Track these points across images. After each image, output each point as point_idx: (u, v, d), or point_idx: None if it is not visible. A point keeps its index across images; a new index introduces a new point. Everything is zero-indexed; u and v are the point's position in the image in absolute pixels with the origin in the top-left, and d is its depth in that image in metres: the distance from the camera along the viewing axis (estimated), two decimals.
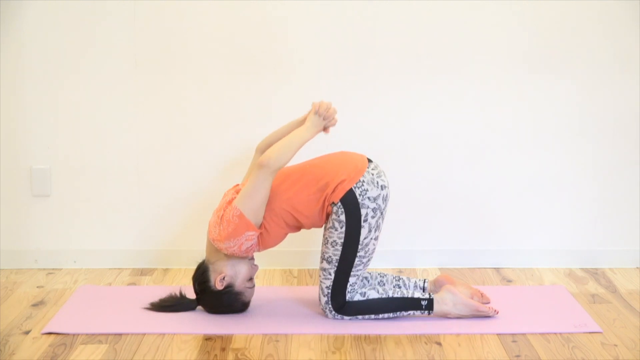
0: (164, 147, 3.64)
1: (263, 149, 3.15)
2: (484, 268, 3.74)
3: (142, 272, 3.66)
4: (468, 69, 3.64)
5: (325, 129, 3.06)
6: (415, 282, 3.22)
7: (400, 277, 3.23)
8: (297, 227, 3.06)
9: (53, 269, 3.70)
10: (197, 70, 3.62)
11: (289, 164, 3.14)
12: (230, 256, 3.03)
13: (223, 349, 2.82)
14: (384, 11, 3.59)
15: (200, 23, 3.59)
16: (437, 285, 3.19)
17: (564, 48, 3.64)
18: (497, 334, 2.93)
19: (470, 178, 3.72)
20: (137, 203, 3.70)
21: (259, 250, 3.03)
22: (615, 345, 2.85)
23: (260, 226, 2.96)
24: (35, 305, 3.23)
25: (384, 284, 3.19)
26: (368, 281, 3.18)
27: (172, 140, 3.65)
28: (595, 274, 3.65)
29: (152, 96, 3.60)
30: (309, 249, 3.69)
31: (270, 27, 3.60)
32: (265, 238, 2.99)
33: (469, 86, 3.66)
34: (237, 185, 3.12)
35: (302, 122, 3.09)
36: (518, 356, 2.77)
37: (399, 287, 3.19)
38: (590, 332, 2.95)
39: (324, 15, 3.59)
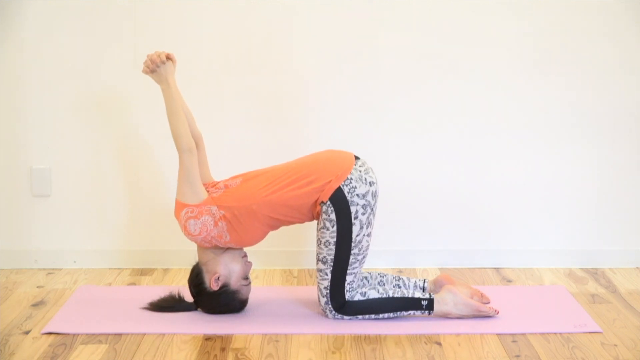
0: (164, 147, 3.63)
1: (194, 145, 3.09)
2: (484, 268, 3.74)
3: (142, 272, 3.66)
4: (469, 70, 3.64)
5: (171, 59, 3.07)
6: (415, 282, 3.22)
7: (400, 277, 3.23)
8: (277, 226, 3.06)
9: (53, 269, 3.70)
10: (196, 70, 3.62)
11: (277, 163, 3.14)
12: (221, 255, 3.03)
13: (223, 349, 2.82)
14: (386, 12, 3.59)
15: (200, 23, 3.60)
16: (437, 285, 3.18)
17: (563, 48, 3.64)
18: (497, 334, 2.93)
19: (471, 178, 3.72)
20: (137, 203, 3.70)
21: (236, 245, 3.02)
22: (615, 345, 2.85)
23: (206, 202, 2.97)
24: (35, 305, 3.23)
25: (384, 284, 3.19)
26: (368, 281, 3.18)
27: (171, 140, 3.63)
28: (595, 274, 3.65)
29: (151, 96, 3.59)
30: (309, 249, 3.69)
31: (270, 26, 3.60)
32: (238, 229, 2.97)
33: (470, 86, 3.66)
34: (217, 182, 3.12)
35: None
36: (518, 356, 2.77)
37: (399, 287, 3.19)
38: (590, 332, 2.95)
39: (324, 15, 3.60)
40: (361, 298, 3.03)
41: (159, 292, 3.25)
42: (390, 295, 3.03)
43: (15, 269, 3.68)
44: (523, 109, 3.68)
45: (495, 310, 3.07)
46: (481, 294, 3.15)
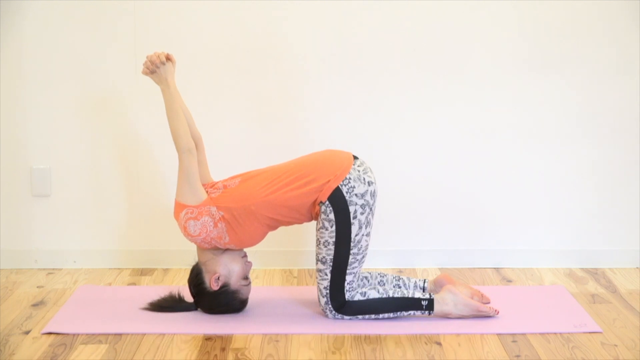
0: (164, 147, 3.63)
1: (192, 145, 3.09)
2: (484, 268, 3.74)
3: (142, 272, 3.66)
4: (468, 69, 3.64)
5: (170, 60, 3.08)
6: (415, 282, 3.22)
7: (400, 277, 3.23)
8: (276, 226, 3.06)
9: (53, 269, 3.70)
10: (196, 70, 3.62)
11: (276, 163, 3.14)
12: (220, 255, 3.04)
13: (223, 349, 2.82)
14: (384, 11, 3.59)
15: (200, 23, 3.60)
16: (437, 285, 3.18)
17: (563, 48, 3.64)
18: (497, 334, 2.93)
19: (470, 178, 3.72)
20: (137, 203, 3.70)
21: (236, 246, 3.02)
22: (615, 345, 2.85)
23: (205, 203, 2.97)
24: (35, 305, 3.23)
25: (384, 284, 3.19)
26: (368, 281, 3.18)
27: (171, 140, 3.64)
28: (595, 274, 3.65)
29: (152, 96, 3.59)
30: (309, 249, 3.69)
31: (270, 26, 3.60)
32: (237, 230, 2.97)
33: (470, 86, 3.66)
34: (216, 183, 3.12)
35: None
36: (518, 356, 2.77)
37: (399, 287, 3.19)
38: (590, 332, 2.95)
39: (324, 15, 3.60)
40: (361, 298, 3.03)
41: (159, 292, 3.25)
42: (391, 295, 3.03)
43: (15, 269, 3.68)
44: (523, 109, 3.68)
45: (495, 310, 3.07)
46: (481, 294, 3.15)
